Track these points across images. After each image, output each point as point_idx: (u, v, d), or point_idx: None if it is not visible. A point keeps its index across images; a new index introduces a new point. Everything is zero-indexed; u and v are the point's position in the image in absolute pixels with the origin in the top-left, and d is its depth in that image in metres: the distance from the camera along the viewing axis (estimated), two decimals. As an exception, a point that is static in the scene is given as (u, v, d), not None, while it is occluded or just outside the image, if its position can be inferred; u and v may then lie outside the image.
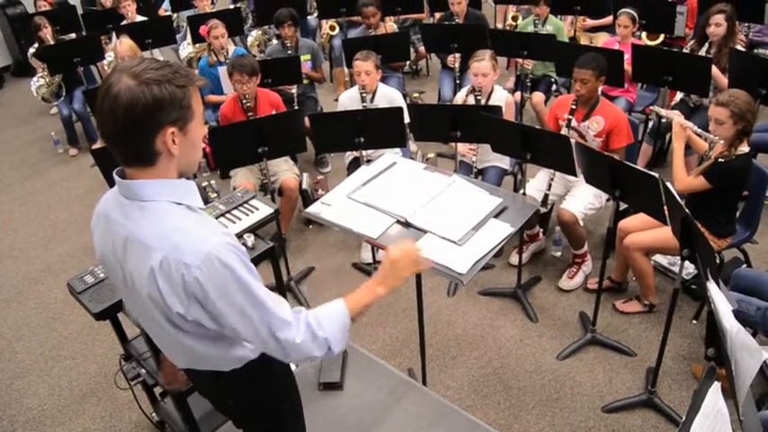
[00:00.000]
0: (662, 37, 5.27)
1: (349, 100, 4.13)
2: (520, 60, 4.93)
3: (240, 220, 2.84)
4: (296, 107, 4.79)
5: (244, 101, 3.98)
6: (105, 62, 5.82)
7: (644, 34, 5.24)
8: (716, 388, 1.53)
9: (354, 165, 3.91)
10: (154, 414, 2.91)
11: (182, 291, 1.35)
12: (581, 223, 3.48)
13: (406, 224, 2.32)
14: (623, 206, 3.50)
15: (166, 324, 1.48)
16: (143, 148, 1.32)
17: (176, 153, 1.36)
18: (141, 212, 1.37)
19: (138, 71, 1.28)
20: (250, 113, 3.96)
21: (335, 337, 1.51)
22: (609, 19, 5.60)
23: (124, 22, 6.05)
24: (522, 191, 3.41)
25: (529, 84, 5.02)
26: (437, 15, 6.14)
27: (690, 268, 3.51)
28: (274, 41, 6.11)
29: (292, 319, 1.46)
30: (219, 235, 1.38)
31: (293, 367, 2.04)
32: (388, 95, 4.10)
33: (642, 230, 3.22)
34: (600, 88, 3.57)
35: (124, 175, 1.41)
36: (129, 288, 1.50)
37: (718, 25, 4.13)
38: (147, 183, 1.37)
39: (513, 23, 5.76)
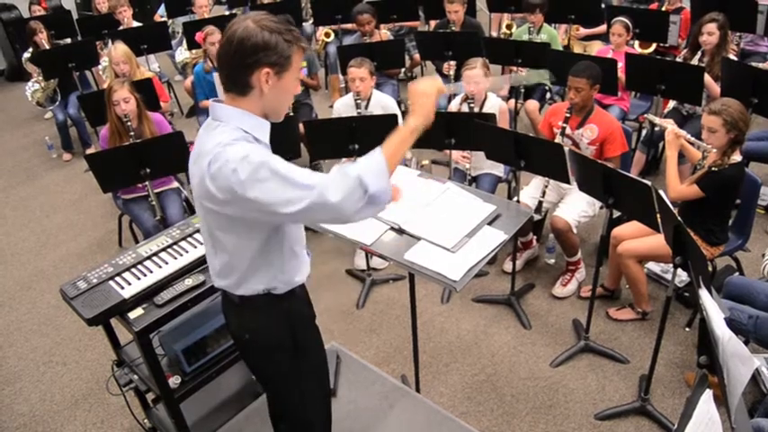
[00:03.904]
0: (654, 45, 5.31)
1: (344, 107, 4.14)
2: (514, 68, 4.95)
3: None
4: (291, 114, 4.80)
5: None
6: (100, 67, 5.81)
7: (636, 43, 5.27)
8: (708, 395, 1.54)
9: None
10: (146, 420, 2.89)
11: (223, 184, 1.51)
12: (574, 231, 3.49)
13: (400, 231, 2.33)
14: (617, 214, 3.51)
15: (209, 227, 1.70)
16: (241, 77, 1.56)
17: (267, 92, 1.58)
18: (214, 130, 1.60)
19: (258, 18, 1.54)
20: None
21: (368, 175, 1.56)
22: (602, 28, 5.63)
23: (120, 28, 6.04)
24: (515, 198, 3.42)
25: (522, 91, 5.05)
26: (432, 23, 6.16)
27: (682, 276, 3.53)
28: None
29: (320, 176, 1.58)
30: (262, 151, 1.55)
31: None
32: (383, 102, 4.11)
33: (635, 238, 3.24)
34: (594, 96, 3.59)
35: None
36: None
37: (710, 34, 4.16)
38: (225, 107, 1.61)
39: (508, 32, 5.79)
